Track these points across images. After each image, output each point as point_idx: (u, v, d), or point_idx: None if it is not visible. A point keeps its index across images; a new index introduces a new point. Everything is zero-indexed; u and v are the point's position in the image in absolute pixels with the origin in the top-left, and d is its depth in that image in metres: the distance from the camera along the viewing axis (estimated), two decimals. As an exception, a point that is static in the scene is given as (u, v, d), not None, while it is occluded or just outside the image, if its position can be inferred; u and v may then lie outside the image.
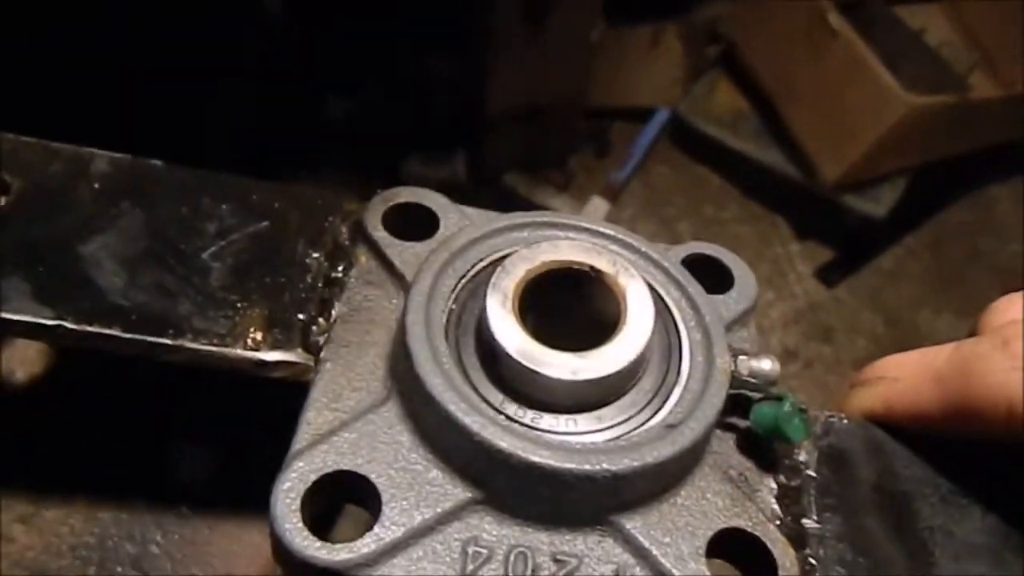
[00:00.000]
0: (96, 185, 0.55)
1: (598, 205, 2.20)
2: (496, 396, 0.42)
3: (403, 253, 0.52)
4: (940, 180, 2.26)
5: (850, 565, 0.45)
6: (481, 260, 0.49)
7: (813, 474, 0.48)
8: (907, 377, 0.49)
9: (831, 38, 2.06)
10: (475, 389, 0.43)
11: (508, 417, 0.42)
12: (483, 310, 0.43)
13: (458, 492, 0.41)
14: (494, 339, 0.42)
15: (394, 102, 1.93)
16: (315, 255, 0.54)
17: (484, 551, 0.41)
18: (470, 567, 0.40)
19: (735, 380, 0.46)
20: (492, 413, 0.41)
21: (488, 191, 2.16)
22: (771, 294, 2.12)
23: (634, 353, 0.41)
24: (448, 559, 0.40)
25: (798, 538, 0.45)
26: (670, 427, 0.43)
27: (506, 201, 2.31)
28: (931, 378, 0.47)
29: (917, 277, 2.22)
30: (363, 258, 0.53)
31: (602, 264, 0.45)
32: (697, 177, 2.29)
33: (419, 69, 1.89)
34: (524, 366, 0.41)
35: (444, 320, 0.45)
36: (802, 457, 0.48)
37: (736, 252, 0.57)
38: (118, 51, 1.08)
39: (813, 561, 0.45)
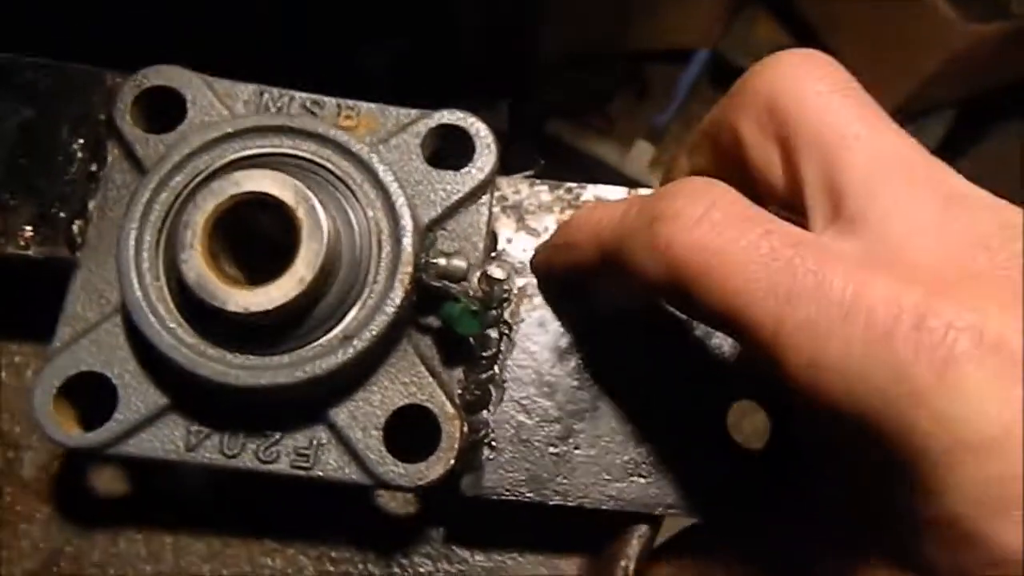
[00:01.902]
0: None
1: (643, 148, 2.13)
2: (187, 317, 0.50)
3: (149, 147, 0.56)
4: (983, 110, 2.10)
5: (519, 444, 0.55)
6: (200, 173, 0.53)
7: (496, 370, 0.56)
8: (581, 244, 0.52)
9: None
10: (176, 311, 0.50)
11: (207, 338, 0.50)
12: (173, 244, 0.49)
13: (158, 396, 0.51)
14: (180, 273, 0.48)
15: (431, 51, 1.72)
16: (78, 143, 0.58)
17: (205, 430, 0.52)
18: (193, 441, 0.52)
19: (424, 284, 0.53)
20: (181, 332, 0.50)
21: (533, 139, 1.99)
22: None
23: (296, 289, 0.48)
24: (171, 438, 0.52)
25: (475, 424, 0.55)
26: (345, 339, 0.50)
27: (551, 148, 2.13)
28: (596, 246, 0.50)
29: None
30: (116, 151, 0.57)
31: (286, 195, 0.49)
32: None
33: (463, 16, 1.65)
34: (202, 300, 0.48)
35: (157, 236, 0.51)
36: (489, 352, 0.56)
37: None
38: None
39: (491, 443, 0.55)
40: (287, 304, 0.48)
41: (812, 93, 0.44)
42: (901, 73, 2.03)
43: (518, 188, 0.62)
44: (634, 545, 0.56)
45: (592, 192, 0.62)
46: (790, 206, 0.45)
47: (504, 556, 0.60)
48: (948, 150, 2.24)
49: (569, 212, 0.61)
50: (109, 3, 1.08)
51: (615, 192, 0.61)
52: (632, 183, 2.16)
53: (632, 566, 0.55)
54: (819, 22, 2.17)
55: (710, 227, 0.42)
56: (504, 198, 0.62)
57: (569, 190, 0.62)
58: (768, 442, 0.56)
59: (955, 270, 0.38)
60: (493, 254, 0.60)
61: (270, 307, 0.48)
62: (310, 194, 0.49)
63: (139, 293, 0.50)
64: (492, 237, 0.61)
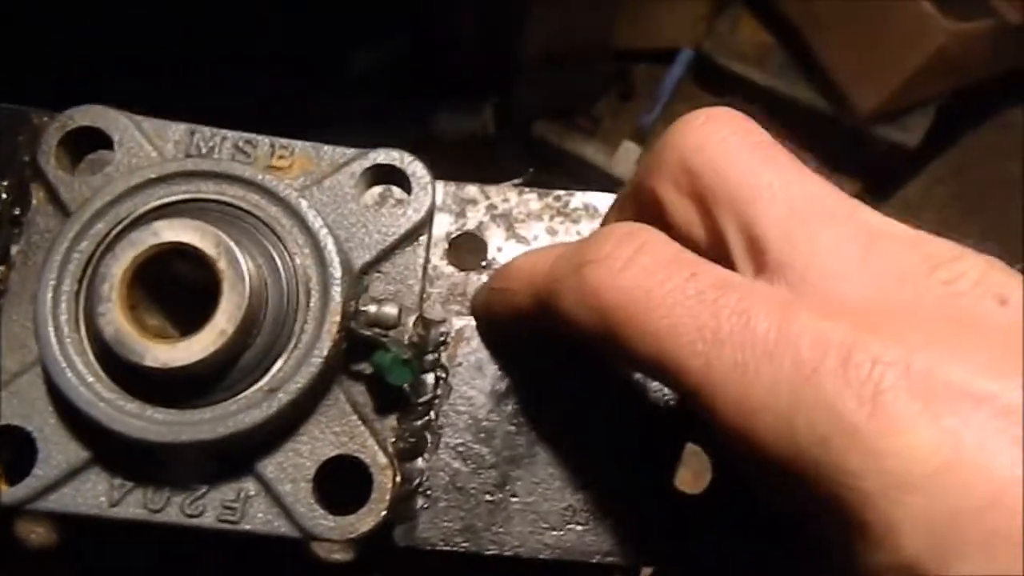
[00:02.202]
0: None
1: (629, 149, 2.15)
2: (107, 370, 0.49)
3: (75, 190, 0.55)
4: (966, 106, 2.15)
5: (454, 492, 0.54)
6: (122, 220, 0.52)
7: (432, 416, 0.55)
8: (517, 289, 0.51)
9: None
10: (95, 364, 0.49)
11: (127, 392, 0.49)
12: (91, 297, 0.48)
13: (79, 450, 0.50)
14: (97, 327, 0.47)
15: (421, 52, 1.71)
16: (1, 185, 0.57)
17: (128, 484, 0.51)
18: (116, 496, 0.51)
19: (353, 333, 0.52)
20: (100, 387, 0.48)
21: (518, 140, 1.99)
22: None
23: (217, 343, 0.47)
24: (94, 493, 0.50)
25: (407, 471, 0.54)
26: (270, 391, 0.49)
27: (538, 150, 2.14)
28: (531, 292, 0.49)
29: (942, 204, 2.20)
30: (40, 194, 0.56)
31: (206, 245, 0.48)
32: None
33: (448, 17, 1.64)
34: (119, 354, 0.47)
35: (77, 286, 0.50)
36: (425, 398, 0.55)
37: None
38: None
39: (425, 492, 0.54)
40: (207, 358, 0.47)
41: (722, 149, 0.44)
42: (884, 71, 2.06)
43: (507, 196, 0.62)
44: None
45: (581, 199, 0.61)
46: (718, 259, 0.44)
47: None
48: (931, 145, 2.26)
49: (559, 220, 0.61)
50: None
51: (604, 199, 0.61)
52: (619, 184, 2.17)
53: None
54: (801, 21, 2.19)
55: (638, 270, 0.41)
56: (493, 207, 0.62)
57: (558, 198, 0.62)
58: (710, 484, 0.56)
59: (880, 305, 0.38)
60: (484, 263, 0.60)
61: (189, 362, 0.46)
62: (231, 244, 0.48)
63: (56, 347, 0.48)
64: (482, 246, 0.60)
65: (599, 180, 2.23)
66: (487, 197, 0.62)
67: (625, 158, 2.27)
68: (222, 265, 0.48)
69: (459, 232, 0.61)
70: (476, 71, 1.92)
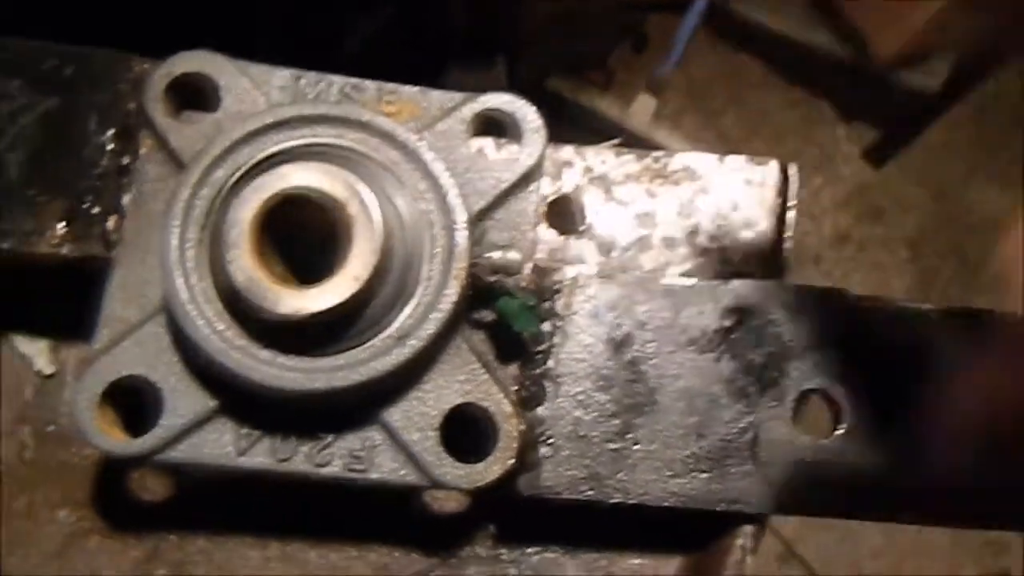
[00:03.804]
0: None
1: (645, 102, 2.09)
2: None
3: (183, 137, 0.53)
4: (985, 53, 2.09)
5: (577, 440, 0.53)
6: (242, 167, 0.50)
7: (551, 364, 0.54)
8: None
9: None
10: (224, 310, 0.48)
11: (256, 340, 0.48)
12: (219, 244, 0.47)
13: (206, 400, 0.49)
14: (227, 274, 0.46)
15: (424, 14, 1.67)
16: (107, 134, 0.56)
17: (256, 433, 0.50)
18: (243, 445, 0.50)
19: (477, 280, 0.51)
20: (230, 334, 0.47)
21: (532, 98, 1.94)
22: (819, 179, 2.11)
23: (351, 289, 0.46)
24: (221, 443, 0.50)
25: (530, 419, 0.53)
26: (400, 339, 0.48)
27: (552, 106, 2.08)
28: None
29: (964, 149, 2.18)
30: (148, 141, 0.54)
31: (336, 189, 0.47)
32: (739, 66, 2.19)
33: None
34: (252, 302, 0.46)
35: (200, 233, 0.49)
36: (543, 346, 0.54)
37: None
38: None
39: (548, 441, 0.53)
40: (341, 305, 0.46)
41: None
42: (908, 13, 2.01)
43: (604, 158, 0.61)
44: (742, 548, 0.54)
45: (680, 161, 0.61)
46: None
47: (557, 554, 0.59)
48: (952, 89, 2.21)
49: (658, 182, 0.60)
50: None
51: (703, 160, 0.61)
52: (634, 138, 2.13)
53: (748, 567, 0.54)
54: (817, -38, 2.14)
55: None
56: (590, 169, 0.60)
57: (656, 159, 0.61)
58: (835, 432, 0.55)
59: None
60: (582, 228, 0.59)
61: (324, 308, 0.46)
62: (362, 188, 0.47)
63: (185, 295, 0.48)
64: (579, 209, 0.59)
65: (614, 134, 2.20)
66: (583, 159, 0.61)
67: (640, 111, 2.22)
68: (352, 210, 0.46)
69: (556, 195, 0.60)
70: (483, 31, 1.89)
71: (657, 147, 2.16)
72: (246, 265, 0.46)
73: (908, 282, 2.11)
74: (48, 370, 0.61)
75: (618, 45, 2.25)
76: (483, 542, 0.59)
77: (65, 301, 0.57)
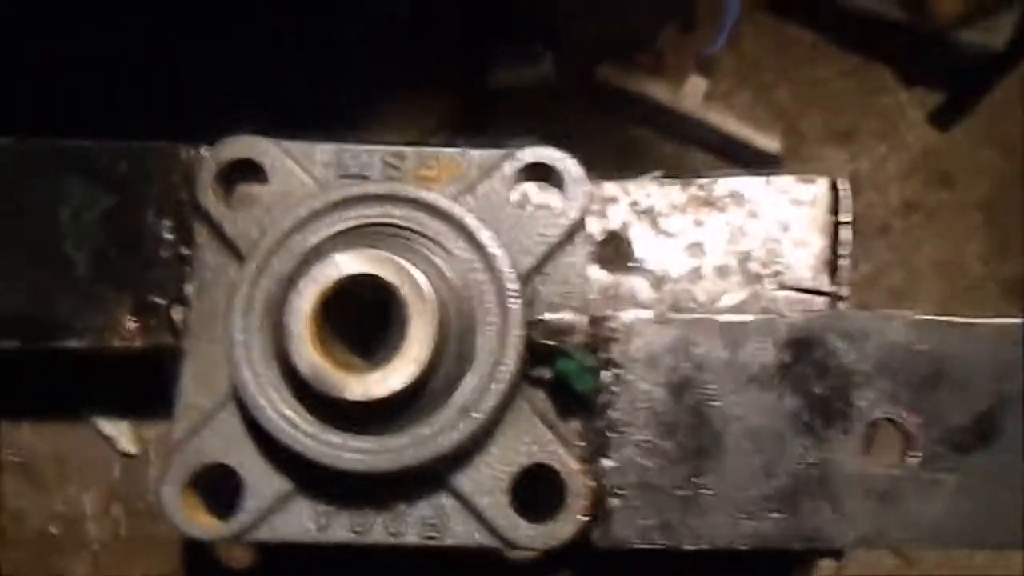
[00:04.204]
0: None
1: (696, 83, 2.06)
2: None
3: (238, 225, 0.55)
4: None
5: (646, 489, 0.54)
6: (296, 254, 0.52)
7: (613, 414, 0.54)
8: None
9: None
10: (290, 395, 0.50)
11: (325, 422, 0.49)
12: (281, 334, 0.48)
13: (283, 482, 0.51)
14: (292, 364, 0.48)
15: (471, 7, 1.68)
16: (164, 226, 0.58)
17: (332, 509, 0.52)
18: (323, 522, 0.52)
19: (534, 343, 0.51)
20: (299, 420, 0.49)
21: (580, 87, 1.93)
22: (884, 148, 2.05)
23: (414, 370, 0.47)
24: (301, 521, 0.52)
25: (597, 471, 0.53)
26: (463, 411, 0.49)
27: (602, 95, 2.07)
28: None
29: None
30: (204, 231, 0.56)
31: (388, 274, 0.48)
32: (789, 37, 2.12)
33: None
34: (319, 390, 0.47)
35: (262, 322, 0.51)
36: (604, 397, 0.54)
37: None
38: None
39: (616, 492, 0.54)
40: (405, 389, 0.47)
41: None
42: None
43: (648, 191, 0.61)
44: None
45: (725, 186, 0.60)
46: None
47: (636, 594, 0.59)
48: (1015, 51, 2.13)
49: (705, 210, 0.60)
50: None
51: (749, 184, 0.61)
52: (687, 121, 2.09)
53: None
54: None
55: None
56: (636, 203, 0.61)
57: (701, 186, 0.61)
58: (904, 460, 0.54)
59: None
60: (631, 264, 0.60)
61: (390, 392, 0.47)
62: (413, 269, 0.48)
63: (254, 387, 0.49)
64: (627, 245, 0.60)
65: (666, 118, 2.17)
66: (627, 193, 0.61)
67: (692, 93, 2.19)
68: (406, 292, 0.47)
69: (603, 234, 0.60)
70: (527, 19, 1.88)
71: (711, 128, 2.12)
72: (310, 355, 0.47)
73: (981, 247, 2.04)
74: (132, 449, 0.64)
75: (665, 27, 2.22)
76: (561, 587, 0.60)
77: (141, 382, 0.60)
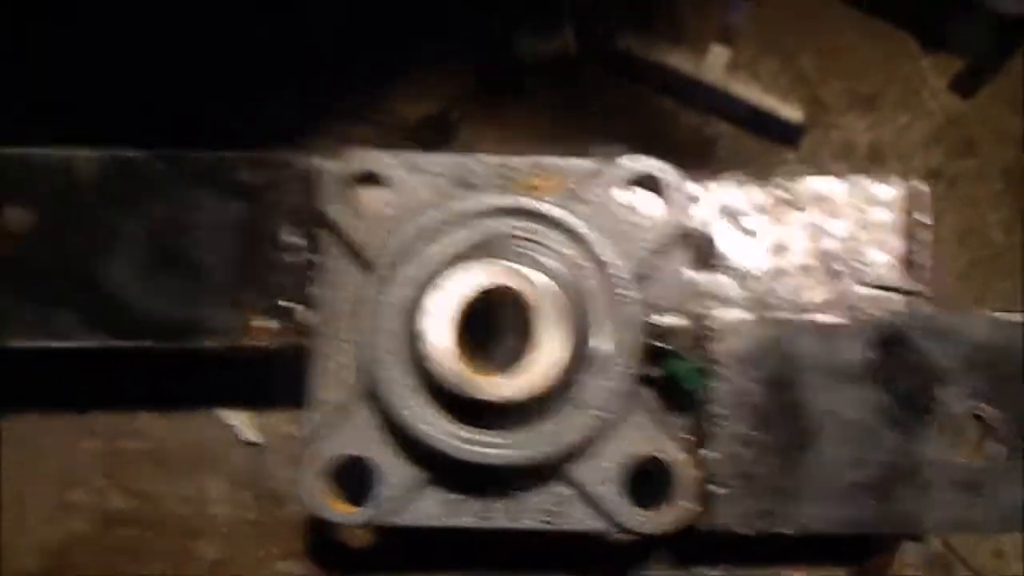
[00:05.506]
0: (87, 194, 0.62)
1: (718, 53, 2.02)
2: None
3: (363, 233, 0.59)
4: None
5: (746, 479, 0.58)
6: (426, 265, 0.55)
7: (713, 408, 0.58)
8: None
9: None
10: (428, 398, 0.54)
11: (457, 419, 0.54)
12: (421, 340, 0.52)
13: (416, 473, 0.55)
14: (432, 368, 0.52)
15: None
16: (291, 232, 0.62)
17: (461, 497, 0.57)
18: (451, 509, 0.57)
19: (645, 343, 0.55)
20: (436, 418, 0.53)
21: (602, 57, 1.92)
22: (906, 116, 1.99)
23: (550, 374, 0.51)
24: (431, 507, 0.56)
25: (700, 462, 0.58)
26: (583, 409, 0.54)
27: (623, 66, 2.05)
28: None
29: None
30: (331, 238, 0.60)
31: (522, 285, 0.52)
32: (813, 2, 2.03)
33: None
34: (458, 391, 0.51)
35: (396, 326, 0.55)
36: (705, 393, 0.58)
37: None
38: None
39: (717, 480, 0.58)
40: (543, 390, 0.51)
41: None
42: None
43: (729, 190, 0.64)
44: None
45: (805, 186, 0.63)
46: None
47: (726, 572, 0.64)
48: None
49: (785, 209, 0.63)
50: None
51: (828, 184, 0.64)
52: (711, 92, 2.10)
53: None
54: None
55: None
56: (717, 202, 0.64)
57: (780, 186, 0.64)
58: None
59: None
60: (715, 263, 0.63)
61: (528, 395, 0.51)
62: (543, 279, 0.52)
63: (392, 386, 0.54)
64: (710, 245, 0.63)
65: (689, 88, 2.17)
66: (709, 191, 0.64)
67: (714, 63, 2.18)
68: (537, 301, 0.51)
69: (686, 231, 0.64)
70: None
71: (734, 99, 2.13)
72: (450, 360, 0.51)
73: (1004, 215, 2.06)
74: (254, 438, 0.68)
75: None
76: (658, 565, 0.65)
77: (259, 375, 0.65)
